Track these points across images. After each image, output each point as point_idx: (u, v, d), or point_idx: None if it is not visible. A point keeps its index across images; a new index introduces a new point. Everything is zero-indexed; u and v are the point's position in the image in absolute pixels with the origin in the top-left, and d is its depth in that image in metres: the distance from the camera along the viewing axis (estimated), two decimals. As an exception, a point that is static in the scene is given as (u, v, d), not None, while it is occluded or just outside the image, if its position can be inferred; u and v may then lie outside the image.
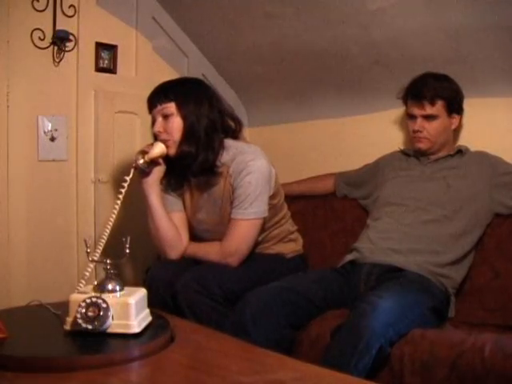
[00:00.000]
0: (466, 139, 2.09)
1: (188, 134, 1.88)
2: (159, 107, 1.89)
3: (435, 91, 1.94)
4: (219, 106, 1.95)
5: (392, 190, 2.04)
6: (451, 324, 1.75)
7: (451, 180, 1.94)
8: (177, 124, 1.88)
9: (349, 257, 1.96)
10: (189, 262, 1.93)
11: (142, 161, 1.85)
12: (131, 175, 1.82)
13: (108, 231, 1.71)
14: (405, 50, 2.10)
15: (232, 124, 1.99)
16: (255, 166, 1.88)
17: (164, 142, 1.89)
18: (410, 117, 2.01)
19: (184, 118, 1.88)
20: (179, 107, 1.88)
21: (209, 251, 1.94)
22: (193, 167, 1.90)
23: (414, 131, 2.00)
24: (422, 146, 2.00)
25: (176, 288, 1.79)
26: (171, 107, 1.88)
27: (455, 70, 1.99)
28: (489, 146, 2.00)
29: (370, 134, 2.40)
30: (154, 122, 1.92)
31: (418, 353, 1.45)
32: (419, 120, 1.97)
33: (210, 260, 1.91)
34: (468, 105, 2.02)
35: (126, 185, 1.80)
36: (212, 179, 1.93)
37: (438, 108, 1.95)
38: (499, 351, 1.34)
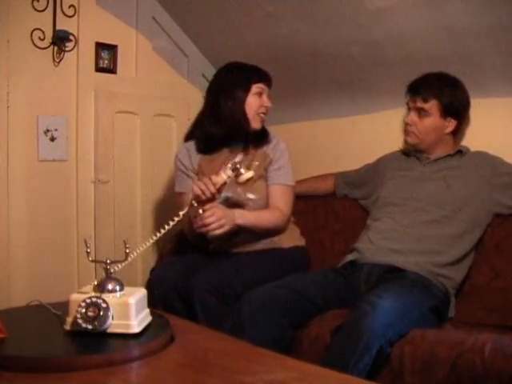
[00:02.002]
0: (467, 139, 2.09)
1: None
2: (268, 88, 2.08)
3: (432, 89, 1.94)
4: None
5: (392, 190, 2.04)
6: (451, 324, 1.75)
7: (451, 180, 1.94)
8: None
9: (349, 257, 1.96)
10: (193, 263, 1.96)
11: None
12: (185, 210, 1.76)
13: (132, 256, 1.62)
14: (405, 50, 2.10)
15: None
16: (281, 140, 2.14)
17: (262, 115, 2.07)
18: (407, 109, 2.02)
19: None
20: None
21: (268, 217, 1.99)
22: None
23: (405, 123, 2.02)
24: (409, 139, 2.02)
25: (189, 290, 1.80)
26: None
27: (455, 70, 1.99)
28: (489, 145, 2.00)
29: (369, 134, 2.41)
30: (260, 94, 2.06)
31: (418, 353, 1.45)
32: (412, 113, 1.99)
33: (267, 226, 1.98)
34: (468, 105, 2.02)
35: (176, 219, 1.72)
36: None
37: (431, 106, 1.95)
38: (499, 351, 1.34)
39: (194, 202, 1.80)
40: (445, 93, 1.95)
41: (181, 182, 2.10)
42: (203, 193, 1.80)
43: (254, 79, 2.05)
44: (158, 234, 1.67)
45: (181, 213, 1.73)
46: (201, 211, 1.81)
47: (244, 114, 2.03)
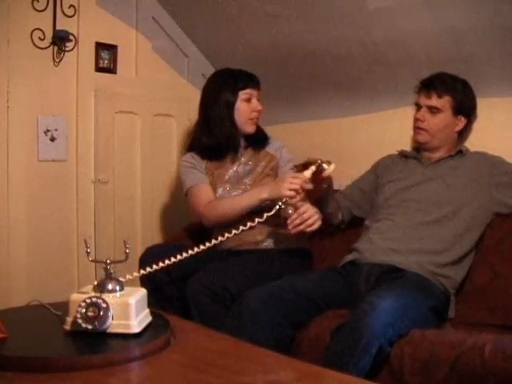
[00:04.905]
0: (466, 139, 2.09)
1: None
2: (256, 91, 2.09)
3: (446, 85, 1.94)
4: None
5: (392, 193, 2.02)
6: (451, 324, 1.75)
7: (451, 180, 1.93)
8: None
9: (349, 257, 1.96)
10: (194, 262, 1.95)
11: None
12: (273, 212, 1.76)
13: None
14: (405, 50, 2.10)
15: None
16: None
17: (254, 120, 2.08)
18: (417, 107, 2.01)
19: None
20: None
21: None
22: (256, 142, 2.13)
23: (416, 119, 1.99)
24: (421, 138, 2.00)
25: (186, 292, 1.82)
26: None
27: (455, 70, 1.99)
28: (489, 145, 2.00)
29: (369, 134, 2.40)
30: (249, 99, 2.07)
31: (418, 353, 1.45)
32: (423, 110, 1.97)
33: None
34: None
35: (258, 220, 1.74)
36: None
37: (444, 103, 1.94)
38: (499, 351, 1.34)
39: (281, 203, 1.77)
40: (458, 90, 1.95)
41: (191, 175, 2.09)
42: (296, 192, 1.78)
43: (240, 85, 2.06)
44: (227, 235, 1.68)
45: (265, 214, 1.73)
46: (290, 211, 1.82)
47: (233, 122, 2.05)
